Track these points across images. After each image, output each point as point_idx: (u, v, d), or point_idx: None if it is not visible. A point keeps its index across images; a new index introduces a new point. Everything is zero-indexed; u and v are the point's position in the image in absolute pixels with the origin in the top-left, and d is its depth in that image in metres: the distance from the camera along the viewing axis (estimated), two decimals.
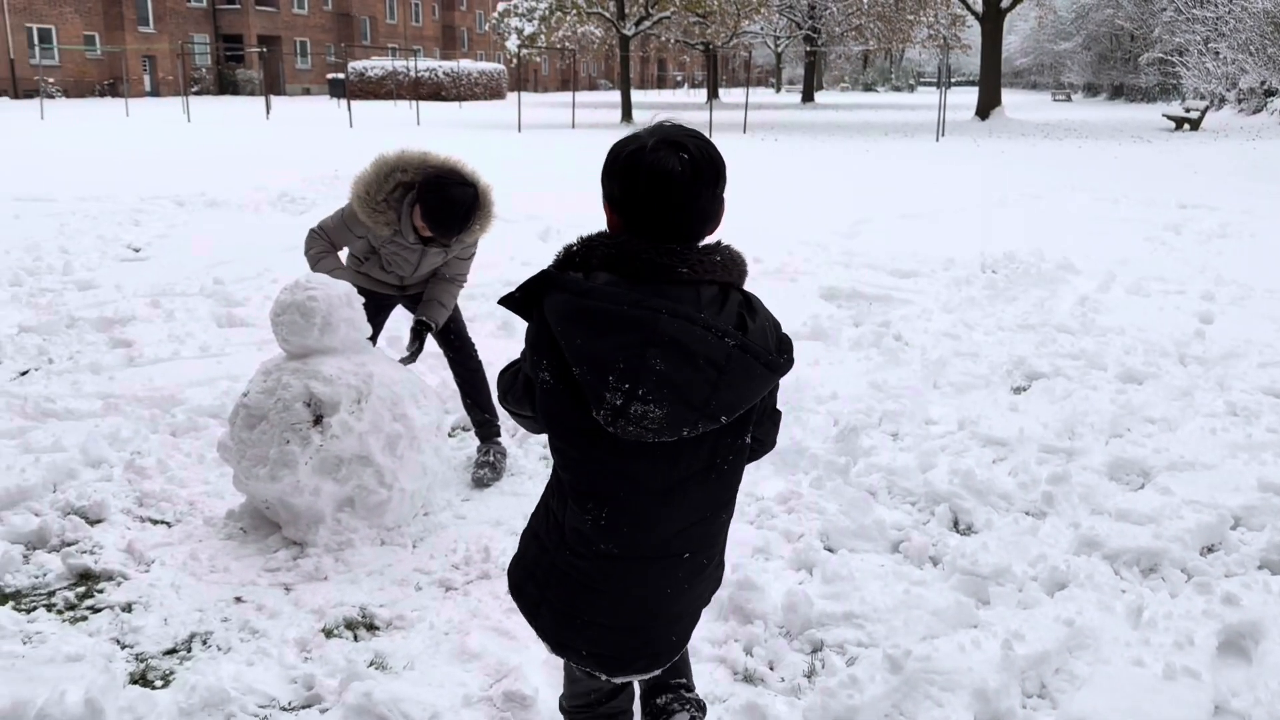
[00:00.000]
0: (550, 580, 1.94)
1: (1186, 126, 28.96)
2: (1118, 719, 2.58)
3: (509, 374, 2.03)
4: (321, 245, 3.94)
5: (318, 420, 3.32)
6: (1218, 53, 35.91)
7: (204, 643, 2.92)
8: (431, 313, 4.03)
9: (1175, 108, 32.09)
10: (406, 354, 3.98)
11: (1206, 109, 30.46)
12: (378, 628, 3.02)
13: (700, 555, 1.96)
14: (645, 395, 1.68)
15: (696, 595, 2.01)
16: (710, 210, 1.85)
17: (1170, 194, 12.82)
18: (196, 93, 47.05)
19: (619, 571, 1.89)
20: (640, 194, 1.77)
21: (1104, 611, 3.06)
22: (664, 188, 1.75)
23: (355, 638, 2.97)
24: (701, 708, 2.36)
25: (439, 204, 3.65)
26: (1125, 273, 7.84)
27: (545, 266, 1.84)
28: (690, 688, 2.37)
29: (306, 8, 58.41)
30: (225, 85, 53.27)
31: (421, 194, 3.68)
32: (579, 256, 1.80)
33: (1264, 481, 3.94)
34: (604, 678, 2.03)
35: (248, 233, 9.45)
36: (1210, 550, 3.53)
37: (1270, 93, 33.06)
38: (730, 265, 1.85)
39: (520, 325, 6.22)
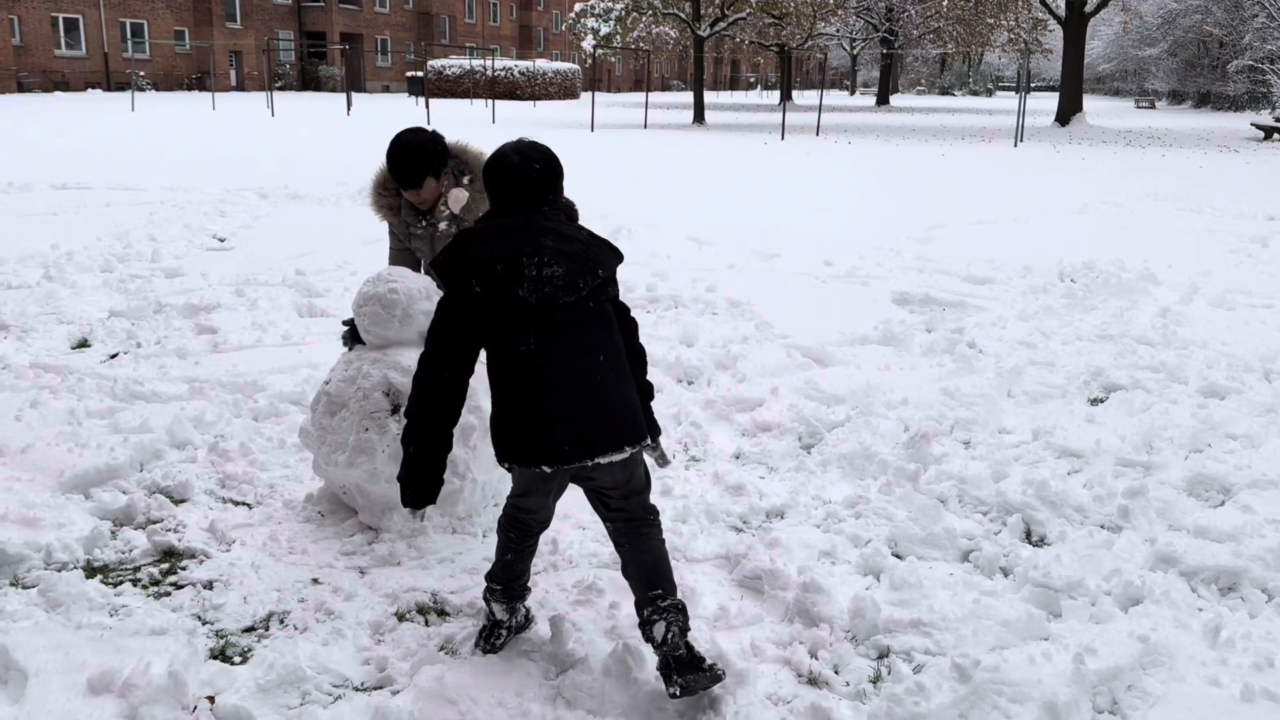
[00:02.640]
0: (520, 418, 2.62)
1: (1276, 136, 27.97)
2: None
3: (429, 362, 2.69)
4: (391, 254, 4.07)
5: (396, 410, 3.40)
6: None
7: (281, 622, 3.01)
8: None
9: (1265, 117, 31.02)
10: None
11: None
12: (448, 614, 3.09)
13: (610, 361, 2.66)
14: (549, 261, 2.54)
15: (625, 390, 2.69)
16: (551, 192, 2.71)
17: (1258, 205, 12.41)
18: (280, 88, 48.20)
19: (560, 370, 2.58)
20: (509, 186, 2.66)
21: (1180, 629, 3.00)
22: (523, 183, 2.65)
23: (426, 622, 3.04)
24: (680, 610, 2.69)
25: (392, 159, 3.71)
26: (1209, 285, 7.62)
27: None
28: (667, 597, 2.71)
29: (388, 6, 59.49)
30: (308, 81, 54.50)
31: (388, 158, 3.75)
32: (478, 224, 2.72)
33: None
34: (589, 462, 2.62)
35: (328, 226, 9.68)
36: None
37: None
38: (567, 209, 2.84)
39: None
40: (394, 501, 3.44)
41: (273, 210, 10.73)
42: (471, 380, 3.56)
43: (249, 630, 2.98)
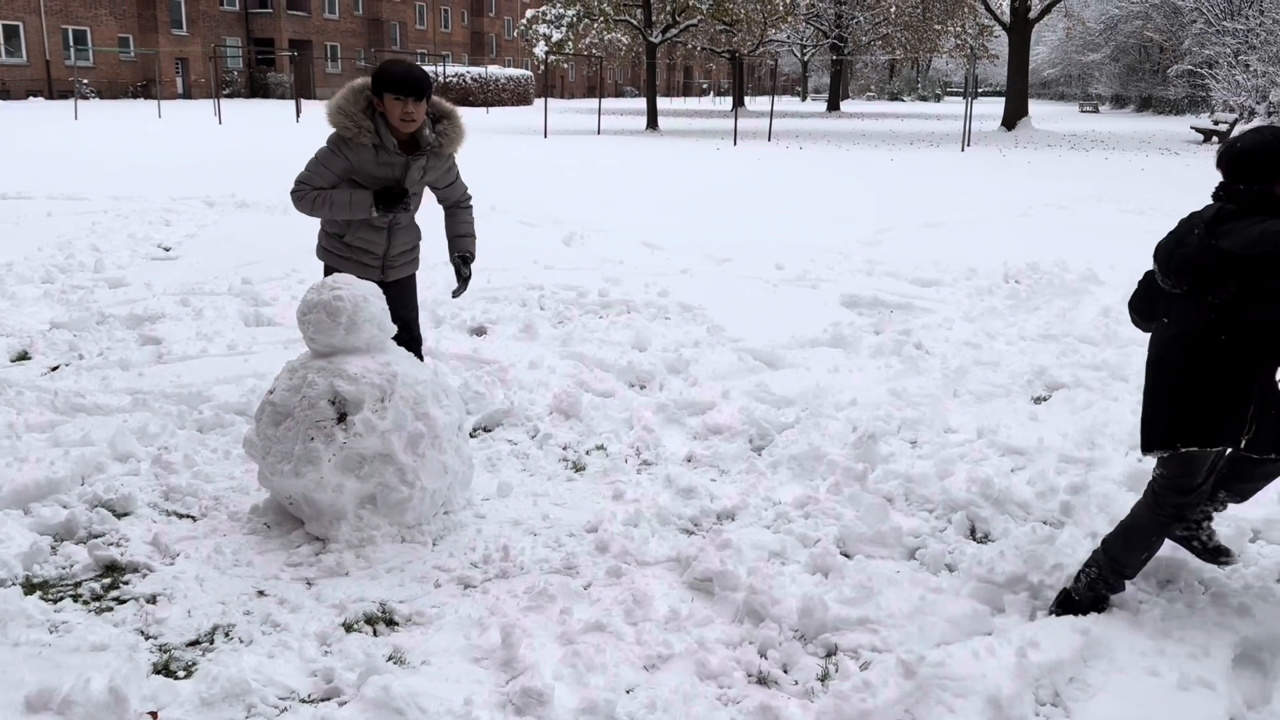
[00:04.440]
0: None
1: (1215, 139, 28.70)
2: None
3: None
4: (314, 191, 4.03)
5: (342, 418, 3.38)
6: (1248, 65, 35.57)
7: (226, 635, 2.98)
8: (464, 246, 4.44)
9: (1204, 120, 31.85)
10: (457, 288, 4.44)
11: (1235, 121, 30.18)
12: (397, 623, 3.07)
13: None
14: None
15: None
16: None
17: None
18: (228, 95, 47.55)
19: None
20: None
21: (1120, 621, 3.06)
22: None
23: (375, 633, 3.02)
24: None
25: (402, 69, 3.91)
26: None
27: None
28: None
29: (337, 12, 58.94)
30: (257, 88, 53.82)
31: (383, 73, 3.91)
32: None
33: None
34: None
35: (276, 233, 9.57)
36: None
37: None
38: None
39: (540, 326, 6.29)
40: (342, 511, 3.43)
41: (219, 218, 10.58)
42: (420, 389, 3.57)
43: (193, 644, 2.94)
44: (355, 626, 3.03)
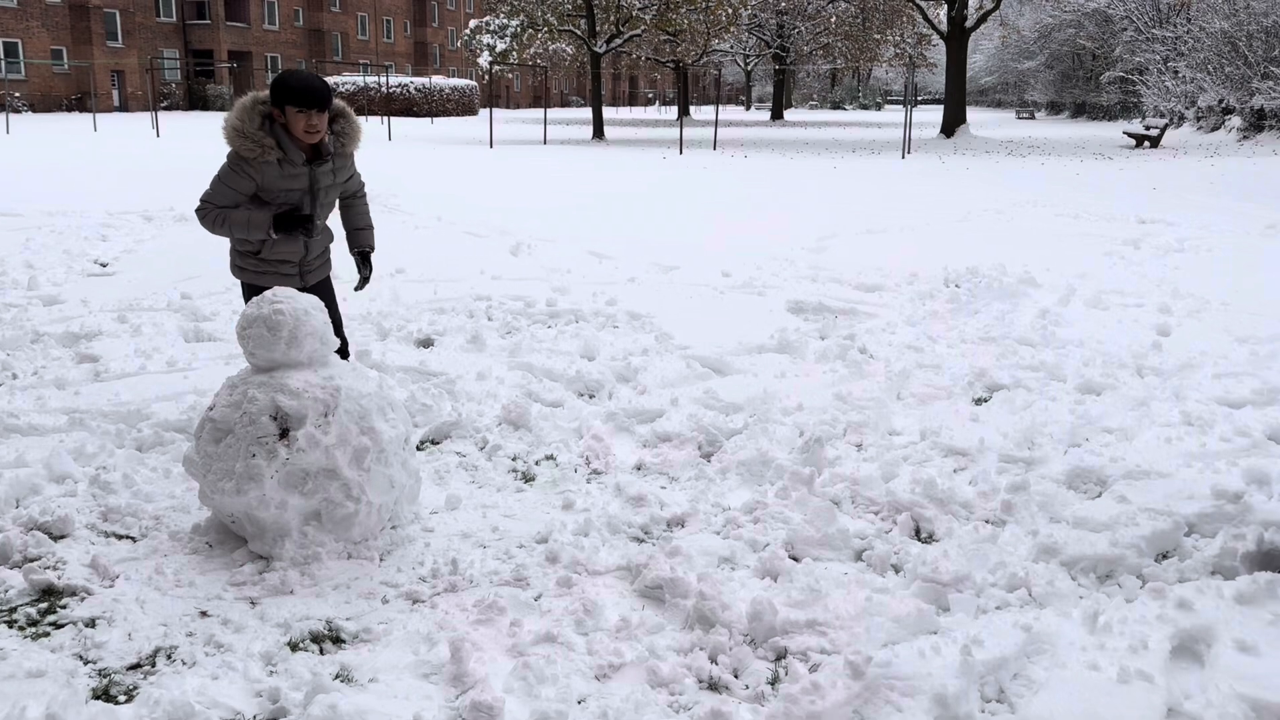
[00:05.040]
0: None
1: (1146, 144, 29.46)
2: None
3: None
4: (216, 210, 4.03)
5: (284, 434, 3.33)
6: (1177, 71, 36.63)
7: (168, 657, 2.91)
8: (364, 239, 4.51)
9: (1136, 125, 32.64)
10: (359, 283, 4.52)
11: (1166, 126, 31.00)
12: (343, 641, 3.03)
13: None
14: None
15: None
16: None
17: (1130, 209, 13.06)
18: (166, 108, 46.74)
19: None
20: None
21: (1061, 617, 3.12)
22: None
23: (321, 651, 2.98)
24: None
25: (301, 81, 3.90)
26: (1085, 286, 7.98)
27: None
28: None
29: (278, 23, 58.26)
30: (195, 100, 52.96)
31: (283, 85, 3.89)
32: None
33: (1217, 489, 4.02)
34: None
35: (216, 247, 9.33)
36: (1165, 557, 3.60)
37: (1228, 110, 33.72)
38: None
39: (488, 337, 6.26)
40: (286, 528, 3.38)
41: (158, 233, 10.38)
42: (365, 403, 3.53)
43: (134, 668, 2.87)
44: (301, 645, 2.99)
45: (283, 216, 4.03)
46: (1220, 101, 33.73)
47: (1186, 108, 36.33)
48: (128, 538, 3.64)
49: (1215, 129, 34.38)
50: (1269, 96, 29.69)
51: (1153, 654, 2.92)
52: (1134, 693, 2.75)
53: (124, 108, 48.61)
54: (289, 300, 3.40)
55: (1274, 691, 2.75)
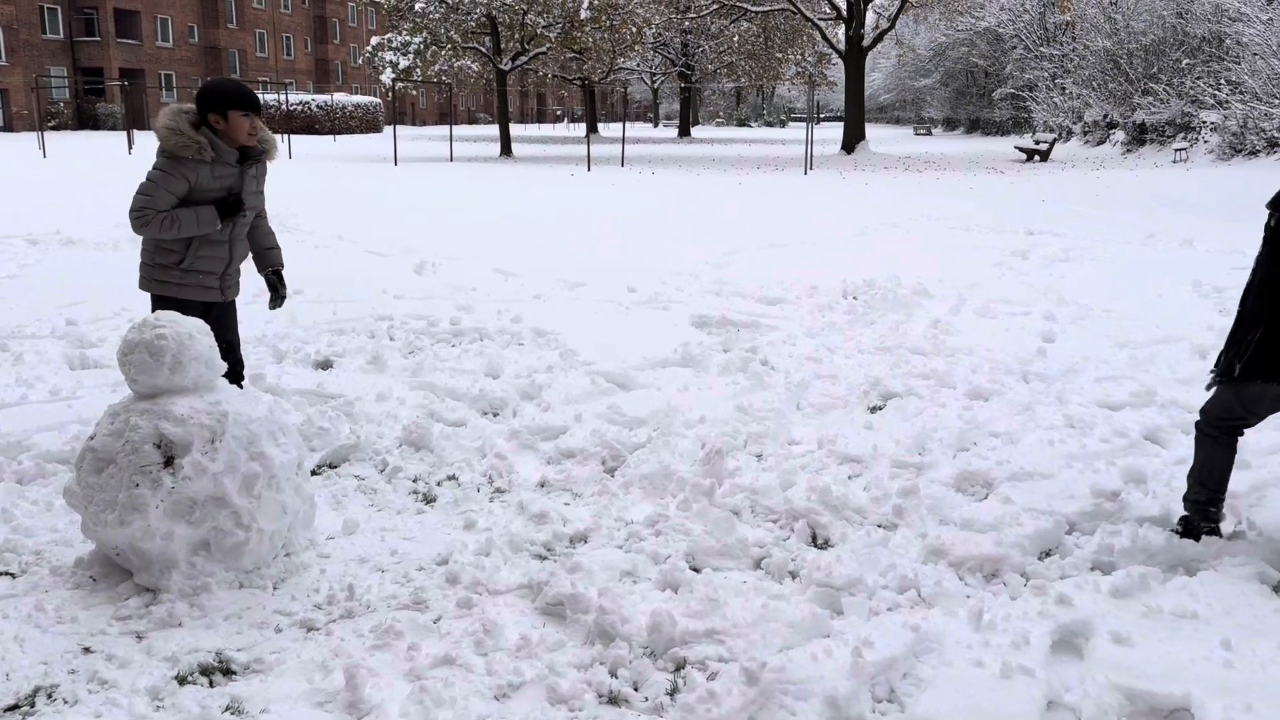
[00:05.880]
0: None
1: (1036, 158, 30.64)
2: (959, 718, 2.73)
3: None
4: (160, 214, 4.09)
5: (169, 462, 3.25)
6: (1064, 88, 38.24)
7: (49, 696, 2.81)
8: (274, 258, 4.61)
9: (1026, 140, 33.94)
10: (275, 301, 4.61)
11: (1054, 141, 32.30)
12: (234, 672, 2.96)
13: None
14: None
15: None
16: None
17: (1019, 221, 13.57)
18: (54, 127, 45.05)
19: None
20: None
21: (948, 616, 3.23)
22: None
23: (211, 683, 2.90)
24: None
25: (236, 86, 4.14)
26: (975, 296, 8.27)
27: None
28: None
29: (172, 41, 56.68)
30: (85, 120, 51.11)
31: (221, 92, 4.10)
32: None
33: (1097, 489, 4.21)
34: None
35: (105, 271, 9.10)
36: (1047, 554, 3.75)
37: (1112, 125, 35.31)
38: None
39: (389, 357, 6.19)
40: (173, 559, 3.29)
41: (42, 257, 9.99)
42: (254, 427, 3.46)
43: (12, 709, 2.76)
44: (190, 678, 2.91)
45: (224, 201, 4.17)
46: (1105, 116, 35.34)
47: (1074, 123, 37.95)
48: (6, 574, 3.49)
49: (1101, 143, 35.98)
50: (1149, 111, 31.21)
51: (1034, 649, 3.04)
52: (1016, 687, 2.86)
53: (8, 128, 46.67)
54: (172, 324, 3.32)
55: (1146, 680, 2.89)
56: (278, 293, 4.61)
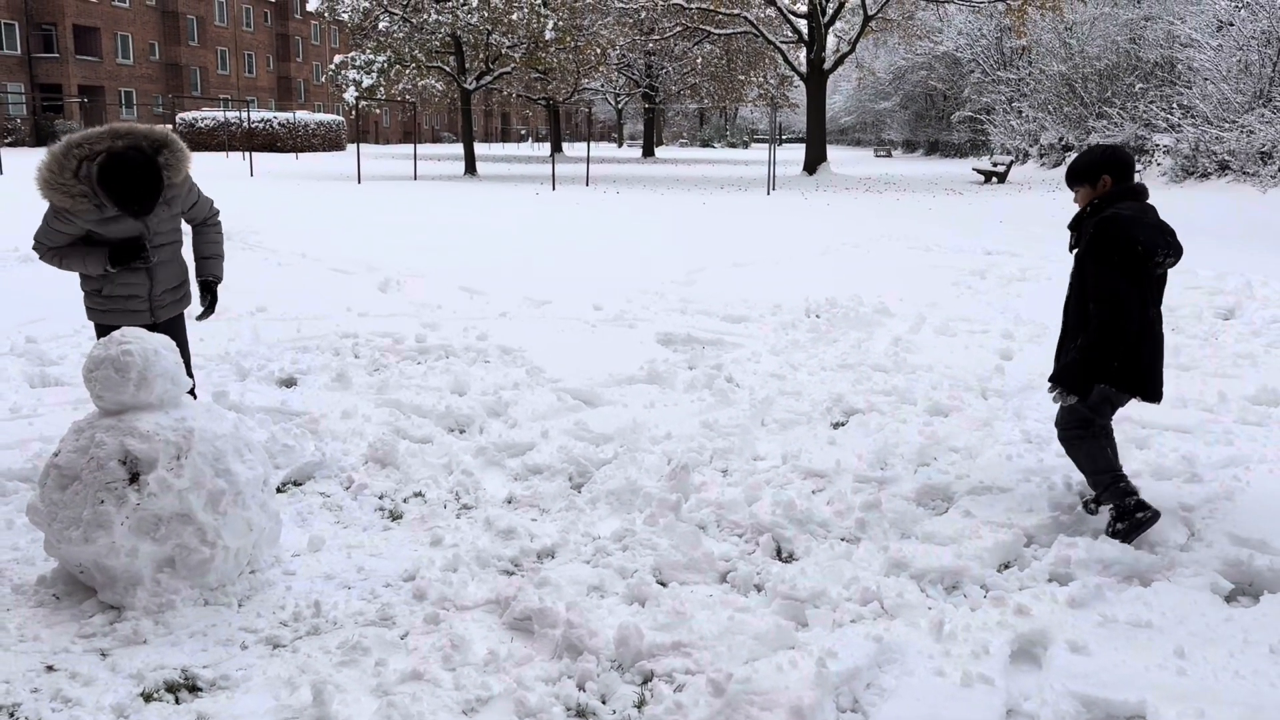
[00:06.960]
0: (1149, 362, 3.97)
1: (994, 179, 31.15)
2: None
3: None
4: (48, 250, 4.01)
5: (134, 478, 3.23)
6: (1021, 111, 38.95)
7: (11, 715, 2.78)
8: (212, 268, 4.49)
9: (984, 162, 34.51)
10: (201, 312, 4.51)
11: (1012, 163, 32.86)
12: (200, 689, 2.94)
13: None
14: (1175, 245, 3.87)
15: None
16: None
17: (977, 241, 13.82)
18: (10, 144, 44.42)
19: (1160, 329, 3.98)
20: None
21: (910, 627, 3.29)
22: None
23: (177, 700, 2.89)
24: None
25: (122, 184, 3.77)
26: (934, 314, 8.41)
27: None
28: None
29: (132, 58, 56.09)
30: (43, 137, 50.35)
31: (107, 178, 3.77)
32: None
33: (1054, 502, 4.30)
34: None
35: (64, 289, 8.92)
36: (1006, 566, 3.84)
37: (1068, 148, 35.99)
38: None
39: (354, 375, 6.18)
40: (138, 576, 3.27)
41: (1, 275, 9.85)
42: (220, 444, 3.45)
43: None
44: (155, 695, 2.90)
45: (119, 248, 3.99)
46: (1060, 139, 36.02)
47: (1030, 145, 38.63)
48: None
49: (1057, 165, 36.63)
50: (1104, 135, 31.86)
51: (994, 658, 3.11)
52: (976, 695, 2.92)
53: None
54: (138, 340, 3.31)
55: (1102, 688, 2.97)
56: (203, 303, 4.49)
